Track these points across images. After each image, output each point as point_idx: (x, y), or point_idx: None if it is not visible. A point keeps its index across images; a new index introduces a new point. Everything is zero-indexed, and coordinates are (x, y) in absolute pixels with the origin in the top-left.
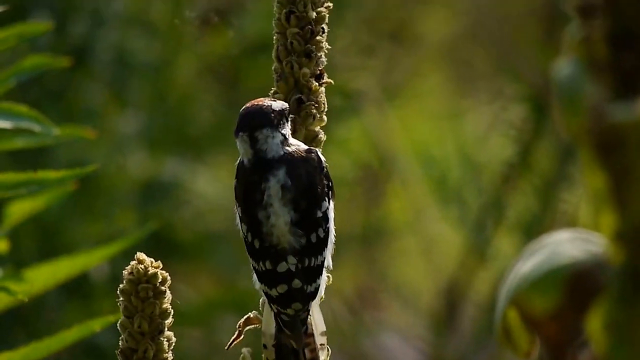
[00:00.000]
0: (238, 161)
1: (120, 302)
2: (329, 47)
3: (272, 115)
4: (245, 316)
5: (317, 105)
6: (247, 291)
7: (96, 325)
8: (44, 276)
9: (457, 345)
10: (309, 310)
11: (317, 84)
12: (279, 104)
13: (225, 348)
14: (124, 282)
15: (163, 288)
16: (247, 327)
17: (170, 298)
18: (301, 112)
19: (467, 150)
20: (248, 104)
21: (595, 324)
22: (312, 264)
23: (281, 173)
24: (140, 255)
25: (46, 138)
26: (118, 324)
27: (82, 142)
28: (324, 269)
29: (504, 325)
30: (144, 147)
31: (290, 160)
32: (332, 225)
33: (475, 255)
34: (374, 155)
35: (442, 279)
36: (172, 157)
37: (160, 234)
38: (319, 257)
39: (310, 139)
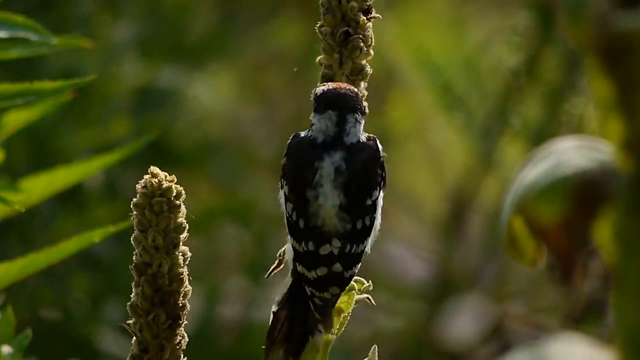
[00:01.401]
0: (290, 139)
1: (134, 216)
2: None
3: (361, 102)
4: (285, 246)
5: (364, 39)
6: (247, 200)
7: (96, 236)
8: (40, 186)
9: (465, 254)
10: (339, 296)
11: (364, 18)
12: (360, 93)
13: (265, 276)
14: (137, 195)
15: (178, 202)
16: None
17: (185, 212)
18: (348, 44)
19: (472, 57)
20: (334, 86)
21: (604, 233)
22: (353, 251)
23: (337, 155)
24: (154, 168)
25: (43, 47)
26: (131, 238)
27: (73, 52)
28: (362, 257)
29: (509, 233)
30: (138, 55)
31: (349, 146)
32: (379, 214)
33: (481, 163)
34: (375, 63)
35: (447, 187)
36: (167, 65)
37: (157, 142)
38: (360, 245)
39: (357, 72)
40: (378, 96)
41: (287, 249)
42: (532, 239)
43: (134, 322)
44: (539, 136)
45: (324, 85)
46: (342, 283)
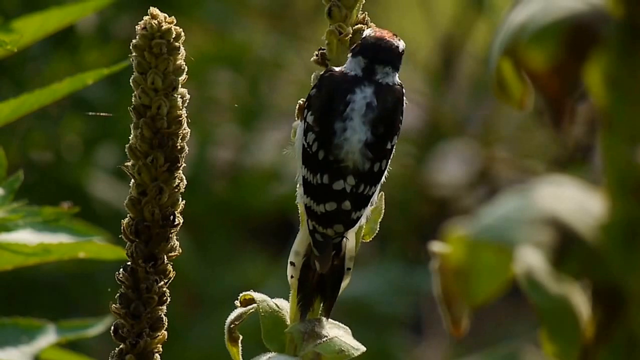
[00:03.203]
0: (325, 71)
1: (133, 58)
2: None
3: (399, 57)
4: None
5: None
6: (240, 44)
7: (89, 77)
8: (32, 27)
9: (454, 99)
10: (343, 237)
11: None
12: (403, 44)
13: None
14: (137, 37)
15: (177, 44)
16: None
17: (184, 54)
18: None
19: None
20: (378, 34)
21: (594, 76)
22: (365, 192)
23: (369, 91)
24: (154, 9)
25: None
26: (130, 80)
27: None
28: (371, 201)
29: (498, 76)
30: None
31: (380, 85)
32: (389, 163)
33: (471, 7)
34: None
35: (439, 31)
36: None
37: None
38: (372, 187)
39: None
40: None
41: (298, 181)
42: (520, 81)
43: (132, 165)
44: None
45: (372, 30)
46: (348, 222)
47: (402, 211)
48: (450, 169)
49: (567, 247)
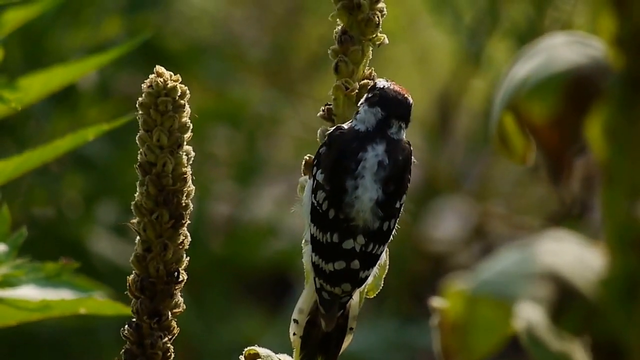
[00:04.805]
0: (333, 129)
1: (139, 116)
2: None
3: (410, 113)
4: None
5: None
6: (238, 100)
7: (90, 133)
8: (37, 85)
9: (451, 155)
10: (351, 296)
11: None
12: (411, 100)
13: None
14: (143, 95)
15: (182, 102)
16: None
17: (189, 112)
18: None
19: None
20: (395, 88)
21: (594, 129)
22: (374, 251)
23: (380, 149)
24: (160, 68)
25: None
26: (137, 138)
27: None
28: (379, 261)
29: (500, 130)
30: None
31: (391, 141)
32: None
33: (469, 63)
34: None
35: (436, 87)
36: None
37: (148, 43)
38: (381, 246)
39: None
40: None
41: (306, 238)
42: (522, 135)
43: (137, 222)
44: (527, 35)
45: (387, 82)
46: (356, 281)
47: (398, 267)
48: (446, 224)
49: (566, 302)
